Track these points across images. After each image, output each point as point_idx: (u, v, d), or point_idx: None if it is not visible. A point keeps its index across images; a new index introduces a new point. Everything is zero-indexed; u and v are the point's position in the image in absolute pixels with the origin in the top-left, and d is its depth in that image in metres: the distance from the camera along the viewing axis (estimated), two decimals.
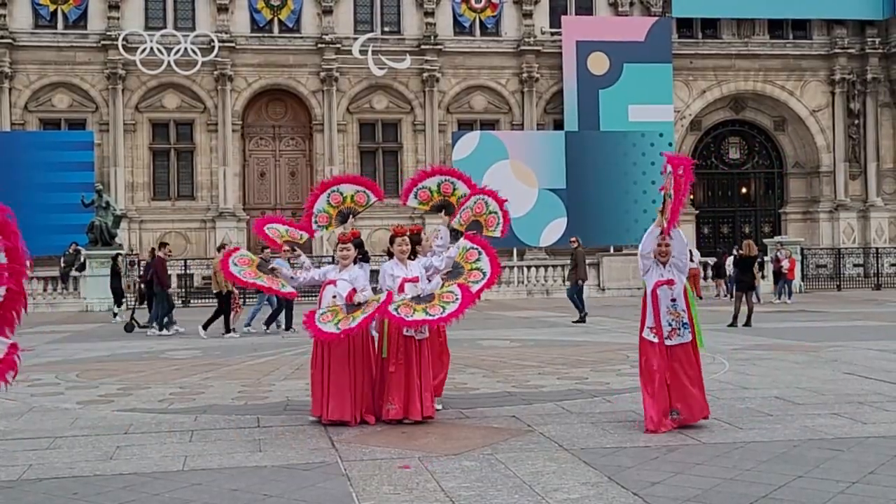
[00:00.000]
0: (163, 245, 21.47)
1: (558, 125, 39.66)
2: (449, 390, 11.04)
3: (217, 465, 7.19)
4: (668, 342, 8.13)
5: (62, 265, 31.45)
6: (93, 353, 16.13)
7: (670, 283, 8.25)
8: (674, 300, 8.19)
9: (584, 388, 10.90)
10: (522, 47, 39.52)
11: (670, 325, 8.14)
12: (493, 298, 28.70)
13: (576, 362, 13.31)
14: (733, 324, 19.74)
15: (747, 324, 19.71)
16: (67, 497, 6.39)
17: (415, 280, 9.02)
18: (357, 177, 10.85)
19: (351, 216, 9.66)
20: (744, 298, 20.35)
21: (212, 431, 8.60)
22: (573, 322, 21.81)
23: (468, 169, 40.95)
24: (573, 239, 23.60)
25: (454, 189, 9.92)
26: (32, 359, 14.91)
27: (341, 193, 9.69)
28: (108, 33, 36.91)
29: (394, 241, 9.18)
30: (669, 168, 8.48)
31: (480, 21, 39.88)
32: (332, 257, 20.96)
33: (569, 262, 24.24)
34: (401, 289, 8.96)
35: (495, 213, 9.64)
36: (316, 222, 9.66)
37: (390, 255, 9.24)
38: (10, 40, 36.44)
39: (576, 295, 22.49)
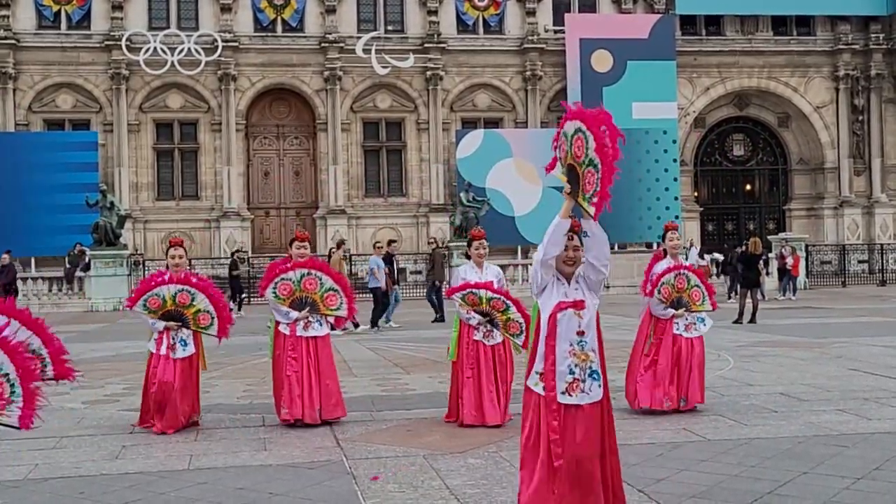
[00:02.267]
0: (340, 244, 23.10)
1: None
2: None
3: (222, 464, 7.20)
4: (562, 399, 4.99)
5: (67, 265, 31.51)
6: (98, 352, 16.16)
7: (578, 305, 5.12)
8: (581, 333, 5.07)
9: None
10: (526, 45, 39.48)
11: (571, 372, 5.01)
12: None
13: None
14: (738, 321, 19.72)
15: (752, 321, 19.70)
16: (74, 496, 6.41)
17: (488, 286, 8.83)
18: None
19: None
20: (749, 295, 20.34)
21: (217, 430, 8.62)
22: (432, 322, 21.91)
23: (472, 167, 40.99)
24: (432, 239, 23.97)
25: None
26: None
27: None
28: (112, 34, 36.92)
29: (471, 244, 9.07)
30: (575, 127, 5.10)
31: (484, 19, 39.85)
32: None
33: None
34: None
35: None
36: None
37: (467, 256, 9.27)
38: (13, 41, 36.47)
39: (433, 295, 22.55)
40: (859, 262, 39.39)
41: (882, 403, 9.29)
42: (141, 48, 36.57)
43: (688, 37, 40.71)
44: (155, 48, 36.57)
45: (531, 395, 5.08)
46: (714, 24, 41.43)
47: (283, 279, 8.76)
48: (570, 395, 4.97)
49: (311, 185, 39.36)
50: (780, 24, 41.58)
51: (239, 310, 25.12)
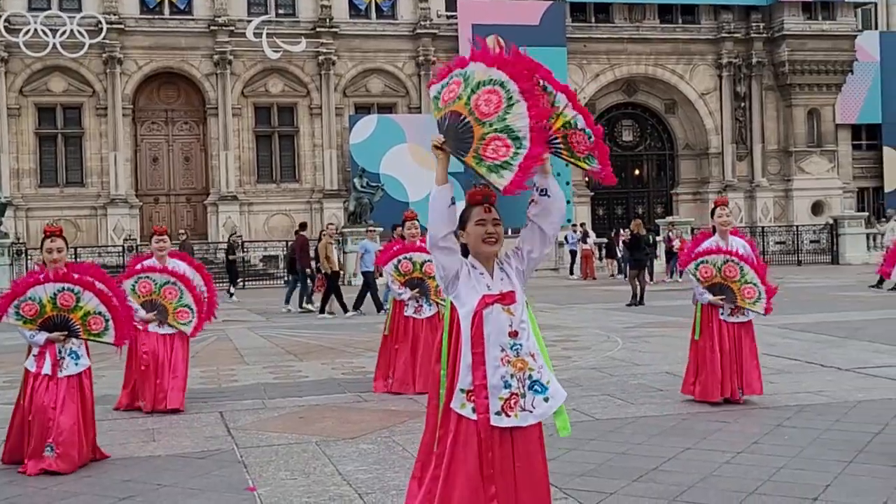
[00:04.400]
0: (303, 226, 22.79)
1: None
2: (347, 374, 11.04)
3: (109, 456, 7.04)
4: (497, 421, 3.91)
5: None
6: None
7: (506, 298, 4.02)
8: (514, 334, 3.96)
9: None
10: (419, 30, 39.46)
11: (507, 385, 3.91)
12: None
13: None
14: (632, 303, 20.13)
15: (640, 302, 20.15)
16: None
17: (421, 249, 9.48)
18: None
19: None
20: (637, 277, 20.80)
21: (102, 422, 8.41)
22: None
23: (366, 153, 40.93)
24: (182, 231, 24.58)
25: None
26: None
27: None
28: None
29: (404, 224, 9.74)
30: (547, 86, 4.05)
31: (376, 4, 39.67)
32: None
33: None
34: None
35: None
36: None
37: (402, 237, 9.92)
38: None
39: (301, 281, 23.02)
40: None
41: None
42: (21, 29, 35.25)
43: (578, 23, 41.31)
44: (36, 30, 35.30)
45: (454, 422, 3.91)
46: (603, 11, 42.13)
47: (146, 277, 8.76)
48: (507, 415, 3.88)
49: (202, 172, 38.63)
50: (666, 13, 42.52)
51: (231, 295, 25.18)
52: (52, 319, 6.80)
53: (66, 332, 6.79)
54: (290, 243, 23.71)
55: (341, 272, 20.14)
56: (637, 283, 20.63)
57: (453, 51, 39.54)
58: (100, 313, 6.93)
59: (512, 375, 3.86)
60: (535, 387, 3.90)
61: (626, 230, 23.30)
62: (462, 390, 3.88)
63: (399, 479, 6.17)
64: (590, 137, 3.99)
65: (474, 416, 3.87)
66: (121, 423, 8.35)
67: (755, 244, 9.02)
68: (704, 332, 8.39)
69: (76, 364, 6.83)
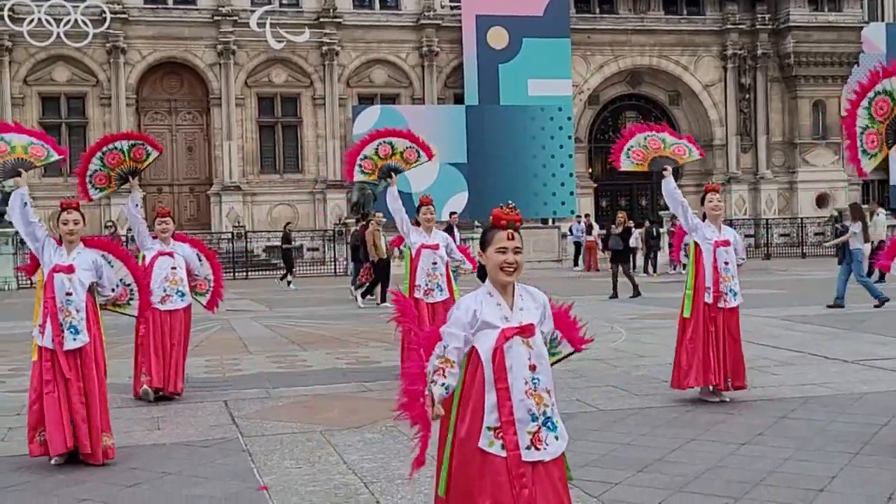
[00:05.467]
0: (365, 216, 22.96)
1: (459, 99, 39.71)
2: (351, 364, 11.05)
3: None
4: (527, 456, 3.74)
5: None
6: None
7: (526, 331, 3.83)
8: (533, 368, 3.81)
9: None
10: (422, 21, 39.38)
11: (534, 418, 3.76)
12: (397, 273, 28.70)
13: None
14: (615, 295, 19.91)
15: (636, 294, 19.91)
16: None
17: (434, 247, 9.72)
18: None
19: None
20: (621, 269, 20.68)
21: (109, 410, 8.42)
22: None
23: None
24: (109, 224, 24.96)
25: (393, 148, 9.93)
26: None
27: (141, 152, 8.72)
28: None
29: (419, 209, 9.81)
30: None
31: None
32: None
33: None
34: (418, 254, 9.65)
35: (678, 143, 9.03)
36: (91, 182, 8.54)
37: (417, 223, 9.85)
38: None
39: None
40: (746, 236, 40.60)
41: (764, 371, 9.64)
42: (24, 19, 35.21)
43: (582, 14, 41.18)
44: (39, 19, 35.25)
45: (484, 463, 3.69)
46: (607, 2, 41.97)
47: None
48: (536, 448, 3.73)
49: (205, 162, 38.62)
50: (670, 4, 42.38)
51: (289, 283, 25.57)
52: None
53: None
54: (353, 231, 23.71)
55: (391, 259, 20.08)
56: (625, 275, 20.46)
57: (457, 41, 39.49)
58: (128, 284, 7.20)
59: (535, 407, 3.75)
60: (549, 424, 3.77)
61: (616, 224, 23.14)
62: (489, 428, 3.72)
63: (404, 469, 6.18)
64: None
65: (504, 454, 3.70)
66: (125, 410, 8.36)
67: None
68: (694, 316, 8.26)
69: (74, 339, 6.56)
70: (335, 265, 32.75)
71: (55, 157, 7.16)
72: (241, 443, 7.07)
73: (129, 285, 7.21)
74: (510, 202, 4.11)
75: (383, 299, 19.05)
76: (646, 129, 9.01)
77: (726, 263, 8.29)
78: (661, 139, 8.85)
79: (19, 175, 6.83)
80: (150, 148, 8.76)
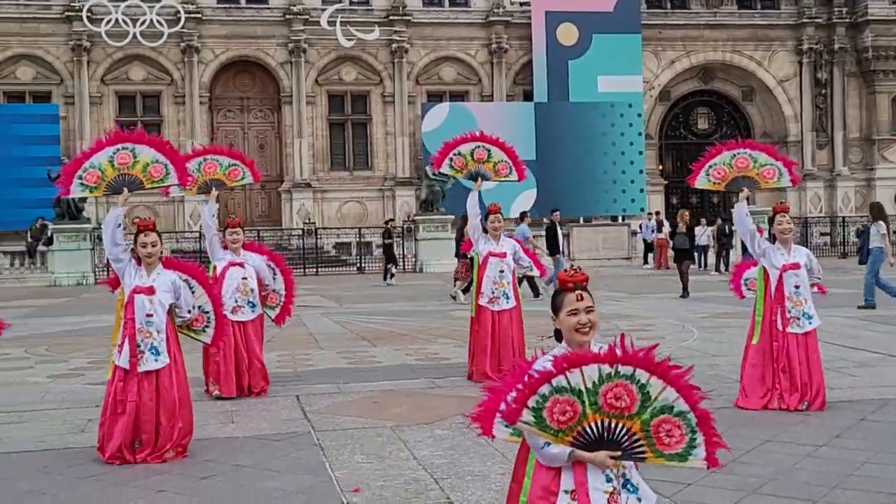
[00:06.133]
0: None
1: (528, 96, 39.59)
2: (420, 360, 11.10)
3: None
4: None
5: (29, 239, 31.14)
6: (61, 327, 16.02)
7: None
8: None
9: (548, 342, 10.95)
10: (491, 18, 39.33)
11: (609, 479, 3.53)
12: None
13: (547, 332, 13.36)
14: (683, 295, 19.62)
15: (684, 294, 19.58)
16: (39, 469, 6.37)
17: (502, 255, 9.65)
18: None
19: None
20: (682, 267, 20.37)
21: None
22: None
23: (437, 141, 40.76)
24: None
25: (489, 155, 9.87)
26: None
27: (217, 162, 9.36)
28: (73, 4, 36.30)
29: (487, 217, 9.75)
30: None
31: None
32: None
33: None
34: (485, 262, 9.60)
35: (772, 165, 8.59)
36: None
37: (485, 230, 9.82)
38: None
39: None
40: (821, 234, 39.81)
41: (843, 373, 9.44)
42: (102, 19, 36.00)
43: (653, 10, 40.74)
44: (117, 19, 36.02)
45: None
46: None
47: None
48: None
49: (276, 159, 39.08)
50: None
51: (390, 279, 25.88)
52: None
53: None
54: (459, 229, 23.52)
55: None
56: (683, 273, 20.17)
57: (526, 38, 39.37)
58: (206, 311, 7.18)
59: (610, 469, 3.56)
60: (628, 486, 3.61)
61: (678, 221, 22.80)
62: (566, 491, 3.55)
63: (474, 465, 6.19)
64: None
65: None
66: (200, 404, 8.48)
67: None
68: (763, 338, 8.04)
69: (155, 360, 6.62)
70: (404, 261, 32.89)
71: (171, 181, 7.10)
72: (313, 437, 7.15)
73: (206, 312, 7.19)
74: (573, 265, 4.01)
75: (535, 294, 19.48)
76: (737, 146, 8.61)
77: (797, 287, 7.99)
78: (751, 157, 8.50)
79: (121, 192, 6.92)
80: (247, 173, 9.04)
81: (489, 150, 9.92)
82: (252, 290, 9.02)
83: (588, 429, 3.35)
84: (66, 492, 5.86)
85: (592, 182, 37.08)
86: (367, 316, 16.75)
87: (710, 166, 8.55)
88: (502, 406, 3.41)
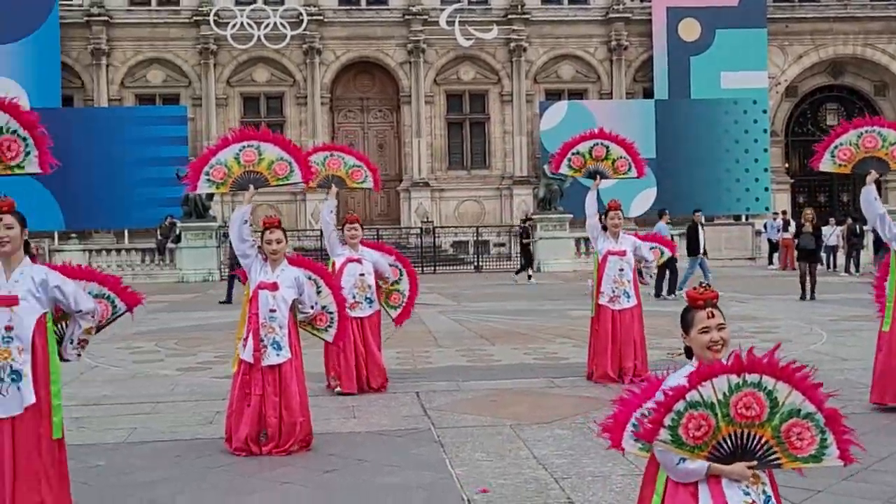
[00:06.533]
0: (696, 210, 22.86)
1: (648, 94, 39.00)
2: (539, 359, 11.04)
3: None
4: None
5: (158, 237, 32.26)
6: (189, 322, 16.56)
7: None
8: None
9: (679, 359, 10.76)
10: (611, 15, 38.88)
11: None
12: (582, 270, 28.51)
13: (667, 332, 13.12)
14: (802, 297, 18.97)
15: (812, 296, 18.91)
16: (170, 459, 6.59)
17: (621, 253, 9.53)
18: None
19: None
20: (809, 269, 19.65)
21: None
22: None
23: (555, 139, 40.66)
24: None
25: (607, 152, 9.75)
26: (133, 327, 15.36)
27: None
28: (200, 9, 37.48)
29: (607, 214, 9.61)
30: None
31: None
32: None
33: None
34: (605, 260, 9.51)
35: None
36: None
37: (605, 228, 9.68)
38: (106, 18, 37.31)
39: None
40: None
41: None
42: (228, 23, 37.03)
43: (780, 3, 39.58)
44: (242, 23, 37.00)
45: None
46: None
47: None
48: None
49: (395, 158, 39.50)
50: None
51: (529, 277, 25.98)
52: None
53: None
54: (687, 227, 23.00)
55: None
56: (809, 275, 19.42)
57: (646, 35, 38.80)
58: (330, 312, 7.25)
59: (748, 484, 3.46)
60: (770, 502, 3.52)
61: (804, 220, 21.99)
62: None
63: (594, 466, 6.13)
64: None
65: None
66: (322, 399, 8.65)
67: None
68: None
69: (277, 355, 6.74)
70: (520, 260, 32.81)
71: (296, 178, 7.15)
72: (433, 434, 7.19)
73: (330, 313, 7.27)
74: (703, 282, 3.92)
75: (670, 291, 19.44)
76: (864, 123, 8.14)
77: None
78: (880, 136, 8.03)
79: (247, 189, 7.05)
80: (369, 178, 9.16)
81: (607, 147, 9.75)
82: (370, 287, 9.12)
83: (722, 441, 3.31)
84: (196, 480, 6.04)
85: (714, 181, 36.27)
86: (485, 314, 16.77)
87: (836, 147, 8.15)
88: (634, 423, 3.39)
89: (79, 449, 6.38)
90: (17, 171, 4.90)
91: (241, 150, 7.01)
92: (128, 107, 37.42)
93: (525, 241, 27.64)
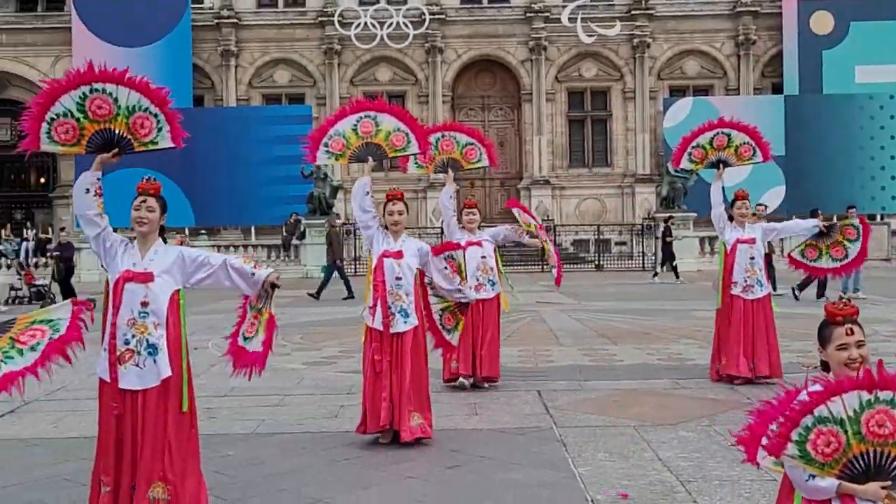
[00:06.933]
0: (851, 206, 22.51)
1: (777, 89, 37.93)
2: (663, 360, 10.87)
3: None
4: None
5: (283, 234, 33.04)
6: (314, 317, 16.89)
7: None
8: None
9: (809, 361, 10.43)
10: (739, 8, 37.97)
11: None
12: (706, 269, 27.93)
13: (801, 335, 12.73)
14: None
15: None
16: (297, 450, 6.74)
17: (751, 241, 9.33)
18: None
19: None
20: None
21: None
22: (343, 299, 20.99)
23: (679, 136, 39.79)
24: (329, 221, 24.33)
25: (729, 140, 9.45)
26: None
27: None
28: (325, 10, 38.22)
29: (734, 203, 9.45)
30: None
31: None
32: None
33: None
34: (734, 250, 9.29)
35: None
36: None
37: (731, 218, 9.54)
38: (235, 20, 38.44)
39: (328, 272, 22.85)
40: None
41: None
42: (352, 23, 37.64)
43: None
44: (365, 23, 37.55)
45: None
46: None
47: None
48: None
49: (516, 156, 39.47)
50: None
51: (677, 276, 25.76)
52: None
53: None
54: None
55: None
56: None
57: (776, 28, 37.77)
58: (460, 310, 7.56)
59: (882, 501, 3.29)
60: None
61: None
62: None
63: (722, 470, 6.00)
64: None
65: None
66: (444, 395, 8.70)
67: None
68: None
69: (404, 322, 6.84)
70: (643, 259, 32.39)
71: (413, 149, 7.19)
72: (555, 432, 7.15)
73: (460, 313, 7.60)
74: (842, 296, 3.77)
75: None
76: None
77: None
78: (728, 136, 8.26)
79: (366, 161, 7.12)
80: (484, 155, 9.17)
81: (729, 135, 9.45)
82: (491, 269, 9.19)
83: (854, 460, 3.16)
84: (322, 472, 6.16)
85: (847, 178, 35.00)
86: (607, 314, 16.60)
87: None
88: (767, 436, 3.30)
89: (210, 438, 6.58)
90: (151, 146, 5.04)
91: (358, 121, 7.06)
92: (255, 106, 38.44)
93: (668, 239, 27.10)
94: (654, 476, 5.93)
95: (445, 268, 7.40)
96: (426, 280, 7.22)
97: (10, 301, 21.63)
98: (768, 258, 16.95)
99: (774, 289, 18.60)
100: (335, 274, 22.96)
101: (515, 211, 9.77)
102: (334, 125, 7.10)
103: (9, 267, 25.61)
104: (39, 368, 4.27)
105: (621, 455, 6.44)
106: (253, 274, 5.26)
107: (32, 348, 4.29)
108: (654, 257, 31.86)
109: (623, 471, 6.05)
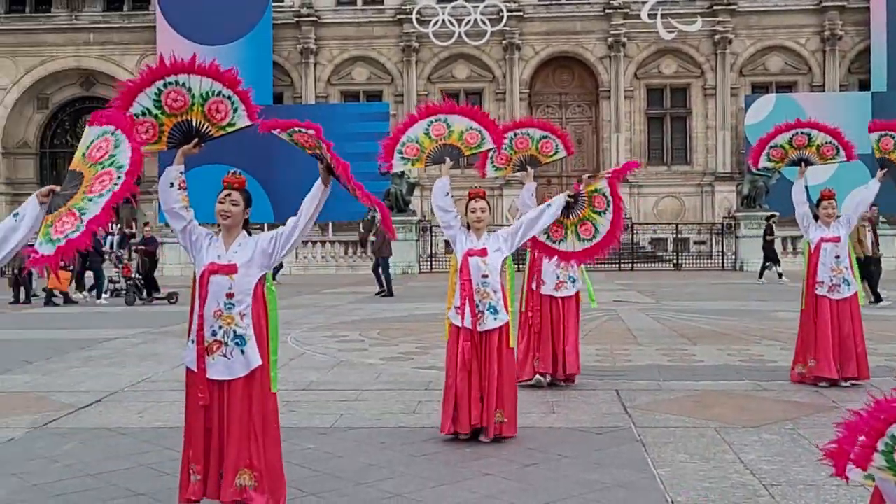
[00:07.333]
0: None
1: (864, 86, 37.00)
2: (744, 361, 10.69)
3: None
4: None
5: (360, 230, 33.29)
6: (391, 313, 17.00)
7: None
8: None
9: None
10: (825, 3, 37.12)
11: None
12: (789, 270, 27.37)
13: (886, 337, 12.41)
14: None
15: None
16: (376, 445, 6.79)
17: (835, 240, 9.12)
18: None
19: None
20: None
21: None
22: (375, 294, 22.15)
23: (761, 134, 39.05)
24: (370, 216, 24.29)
25: (809, 139, 9.24)
26: (337, 317, 15.96)
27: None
28: (404, 7, 38.43)
29: (819, 203, 9.24)
30: None
31: None
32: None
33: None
34: (818, 249, 9.11)
35: None
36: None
37: (816, 217, 9.32)
38: (315, 18, 38.88)
39: (379, 269, 23.02)
40: None
41: None
42: (430, 21, 37.77)
43: None
44: (443, 20, 37.65)
45: None
46: None
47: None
48: None
49: (593, 153, 39.19)
50: None
51: (779, 276, 25.62)
52: None
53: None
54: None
55: (879, 257, 19.10)
56: None
57: (863, 24, 36.85)
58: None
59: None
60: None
61: None
62: None
63: (806, 474, 5.88)
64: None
65: None
66: (522, 393, 8.64)
67: None
68: None
69: (494, 319, 6.82)
70: (723, 259, 31.91)
71: (488, 145, 7.12)
72: (633, 432, 7.08)
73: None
74: None
75: (877, 298, 18.17)
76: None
77: None
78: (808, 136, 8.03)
79: (443, 163, 7.10)
80: (560, 146, 8.97)
81: (809, 135, 9.23)
82: (572, 265, 9.05)
83: None
84: (401, 467, 6.19)
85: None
86: (685, 313, 16.38)
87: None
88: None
89: (290, 431, 6.66)
90: (229, 129, 5.11)
91: (429, 125, 7.07)
92: (333, 104, 38.81)
93: (769, 237, 26.59)
94: (736, 479, 5.83)
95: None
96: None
97: (110, 293, 22.18)
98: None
99: (879, 299, 18.09)
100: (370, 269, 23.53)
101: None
102: (405, 132, 7.12)
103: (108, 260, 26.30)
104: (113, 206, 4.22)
105: (702, 457, 6.35)
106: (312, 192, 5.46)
107: (101, 195, 4.26)
108: (733, 256, 31.36)
109: (704, 473, 5.96)
